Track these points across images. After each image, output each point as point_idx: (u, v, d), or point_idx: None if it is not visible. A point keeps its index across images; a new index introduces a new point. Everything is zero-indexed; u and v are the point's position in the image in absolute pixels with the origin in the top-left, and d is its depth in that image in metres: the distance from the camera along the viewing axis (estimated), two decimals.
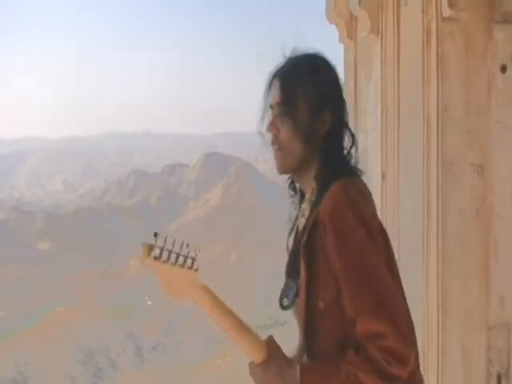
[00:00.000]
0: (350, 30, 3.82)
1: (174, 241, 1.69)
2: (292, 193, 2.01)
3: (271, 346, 1.82)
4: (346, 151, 1.90)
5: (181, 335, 71.46)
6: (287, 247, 2.01)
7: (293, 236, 2.00)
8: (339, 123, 1.88)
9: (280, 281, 1.96)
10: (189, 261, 1.71)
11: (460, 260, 3.12)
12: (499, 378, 3.26)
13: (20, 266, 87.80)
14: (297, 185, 1.99)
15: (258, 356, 1.81)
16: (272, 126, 1.87)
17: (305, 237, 1.80)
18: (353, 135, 1.93)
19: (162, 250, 1.66)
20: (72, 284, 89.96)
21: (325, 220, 1.72)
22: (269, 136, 1.90)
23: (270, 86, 1.91)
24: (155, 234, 1.67)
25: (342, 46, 3.96)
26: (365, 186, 1.85)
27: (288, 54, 1.92)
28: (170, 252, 1.67)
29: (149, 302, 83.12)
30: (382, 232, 1.82)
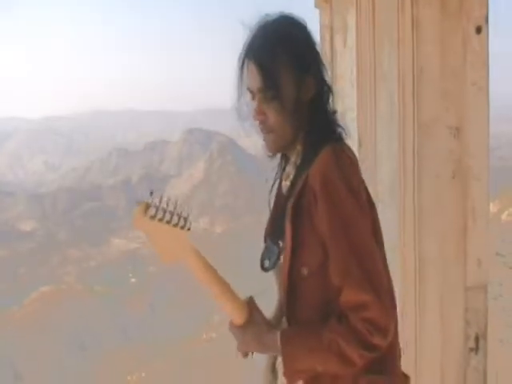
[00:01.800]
0: None
1: (168, 199, 1.67)
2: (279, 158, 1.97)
3: (251, 308, 1.83)
4: (331, 114, 1.86)
5: (165, 312, 71.71)
6: (269, 207, 2.00)
7: (274, 199, 1.99)
8: (322, 86, 1.84)
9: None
10: (181, 220, 1.68)
11: (437, 223, 3.12)
12: (477, 339, 3.29)
13: (3, 246, 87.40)
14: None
15: (239, 318, 1.81)
16: (258, 113, 1.82)
17: (293, 200, 1.77)
18: (332, 95, 1.88)
19: (157, 208, 1.64)
20: (56, 263, 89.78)
21: (315, 188, 1.70)
22: (255, 121, 1.85)
23: (242, 67, 1.84)
24: (151, 193, 1.65)
25: (317, 10, 3.92)
26: (352, 152, 1.82)
27: (254, 23, 1.83)
28: (164, 211, 1.65)
29: (132, 280, 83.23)
30: (369, 200, 1.81)
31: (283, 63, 1.76)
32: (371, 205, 1.80)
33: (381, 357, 1.71)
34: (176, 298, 73.64)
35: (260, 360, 1.96)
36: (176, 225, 1.67)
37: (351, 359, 1.65)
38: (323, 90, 1.84)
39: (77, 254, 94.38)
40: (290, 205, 1.77)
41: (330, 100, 1.87)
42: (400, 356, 1.87)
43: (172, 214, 1.66)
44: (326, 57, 3.72)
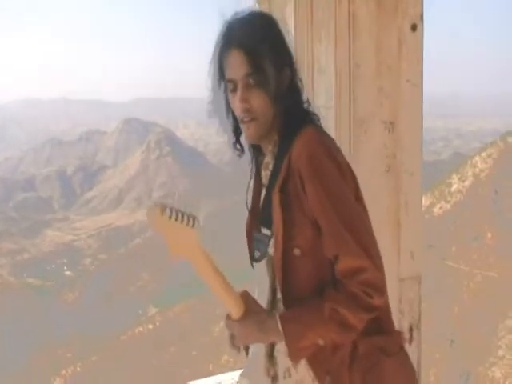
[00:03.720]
0: None
1: (175, 200, 1.71)
2: (250, 151, 2.01)
3: (247, 300, 1.86)
4: (304, 103, 1.92)
5: (101, 305, 70.86)
6: (246, 204, 2.04)
7: (251, 193, 2.04)
8: (295, 76, 1.90)
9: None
10: (191, 220, 1.74)
11: (371, 216, 3.16)
12: (411, 330, 3.36)
13: None
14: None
15: (237, 312, 1.84)
16: (243, 100, 1.83)
17: (277, 185, 1.80)
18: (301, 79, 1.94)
19: (171, 209, 1.70)
20: None
21: (300, 167, 1.74)
22: (238, 110, 1.86)
23: (222, 58, 1.86)
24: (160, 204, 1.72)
25: (256, 4, 3.92)
26: (327, 133, 1.89)
27: (223, 20, 1.87)
28: (177, 211, 1.72)
29: (67, 272, 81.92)
30: (352, 173, 1.86)
31: (267, 50, 1.81)
32: (354, 177, 1.86)
33: (376, 317, 1.79)
34: (112, 290, 72.88)
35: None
36: (188, 224, 1.73)
37: (352, 324, 1.72)
38: (296, 78, 1.90)
39: (10, 246, 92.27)
40: (275, 190, 1.81)
41: (303, 90, 1.92)
42: (391, 314, 1.94)
43: (183, 214, 1.72)
44: None
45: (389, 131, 3.20)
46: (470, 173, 51.96)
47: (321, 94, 3.27)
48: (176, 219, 1.71)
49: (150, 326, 59.53)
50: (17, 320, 65.61)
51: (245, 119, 1.86)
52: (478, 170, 51.77)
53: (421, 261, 3.34)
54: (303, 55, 3.35)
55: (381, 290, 1.74)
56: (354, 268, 1.71)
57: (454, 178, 52.55)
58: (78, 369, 55.55)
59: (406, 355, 1.95)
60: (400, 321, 3.33)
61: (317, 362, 1.83)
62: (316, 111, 1.94)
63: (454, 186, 51.67)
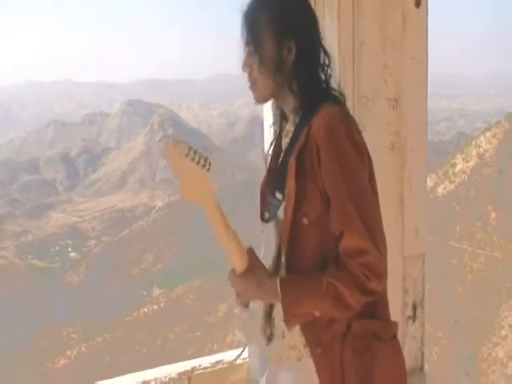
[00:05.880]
0: None
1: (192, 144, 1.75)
2: (277, 113, 2.08)
3: (252, 256, 1.91)
4: (321, 78, 1.93)
5: (106, 286, 71.16)
6: (265, 165, 2.11)
7: (270, 156, 2.09)
8: (307, 49, 1.90)
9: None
10: (207, 163, 1.75)
11: None
12: (414, 307, 3.37)
13: None
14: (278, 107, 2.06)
15: (242, 265, 1.88)
16: (245, 65, 1.95)
17: (295, 154, 1.84)
18: (329, 59, 1.94)
19: (190, 148, 1.72)
20: None
21: (319, 140, 1.78)
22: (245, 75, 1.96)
23: (241, 26, 1.96)
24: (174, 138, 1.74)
25: None
26: (348, 110, 1.93)
27: None
28: (195, 152, 1.73)
29: (72, 254, 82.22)
30: (368, 155, 1.89)
31: (263, 23, 1.89)
32: (370, 159, 1.90)
33: (373, 302, 1.83)
34: (116, 271, 73.16)
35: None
36: (204, 166, 1.74)
37: (348, 303, 1.75)
38: (309, 54, 1.90)
39: (14, 227, 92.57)
40: (292, 158, 1.85)
41: (326, 65, 1.93)
42: (388, 303, 1.96)
43: (200, 156, 1.73)
44: None
45: (393, 108, 3.19)
46: (474, 153, 51.78)
47: None
48: (193, 159, 1.72)
49: (155, 307, 59.82)
50: (22, 301, 65.96)
51: (248, 82, 1.96)
52: (482, 150, 51.56)
53: (425, 239, 3.34)
54: None
55: (380, 275, 1.76)
56: (356, 248, 1.74)
57: (458, 159, 52.37)
58: (83, 349, 55.91)
59: (399, 345, 1.98)
60: (404, 299, 3.33)
61: (310, 332, 1.88)
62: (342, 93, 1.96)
63: (458, 167, 51.50)
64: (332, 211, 1.79)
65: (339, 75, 3.11)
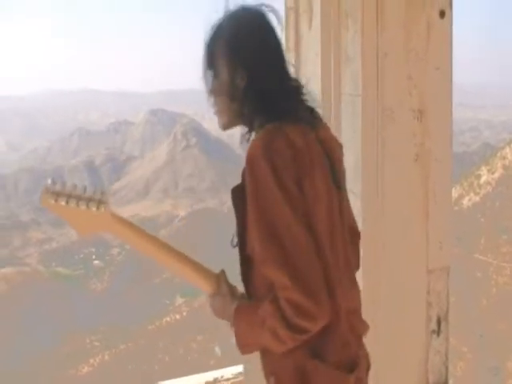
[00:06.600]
0: None
1: (75, 185, 1.77)
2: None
3: (220, 279, 1.92)
4: (274, 100, 1.85)
5: (129, 294, 71.41)
6: None
7: None
8: (259, 77, 1.84)
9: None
10: (92, 203, 1.74)
11: (400, 205, 3.14)
12: (439, 321, 3.33)
13: None
14: None
15: (206, 287, 1.91)
16: (207, 91, 1.95)
17: (237, 184, 1.82)
18: (295, 83, 1.91)
19: (57, 194, 1.72)
20: (17, 245, 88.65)
21: (245, 176, 1.74)
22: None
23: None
24: (52, 180, 1.75)
25: None
26: (302, 134, 1.79)
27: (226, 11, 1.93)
28: (68, 196, 1.72)
29: (96, 262, 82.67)
30: (312, 183, 1.76)
31: (218, 52, 1.88)
32: (316, 189, 1.77)
33: (319, 341, 1.75)
34: (139, 280, 73.40)
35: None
36: (87, 207, 1.74)
37: (281, 338, 1.69)
38: (262, 82, 1.85)
39: (38, 235, 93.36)
40: (232, 187, 1.83)
41: (290, 90, 1.89)
42: (349, 344, 1.85)
43: (78, 198, 1.73)
44: (290, 39, 3.71)
45: (417, 119, 3.17)
46: (499, 164, 51.35)
47: (348, 82, 3.24)
48: (67, 202, 1.72)
49: (177, 316, 59.86)
50: (45, 308, 66.39)
51: (213, 109, 1.95)
52: (507, 161, 51.15)
53: (449, 252, 3.30)
54: (330, 43, 3.32)
55: (308, 314, 1.65)
56: (277, 281, 1.68)
57: (484, 170, 52.00)
58: (106, 357, 56.10)
59: None
60: (428, 312, 3.30)
61: (267, 361, 1.87)
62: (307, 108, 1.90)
63: (484, 178, 51.13)
64: (254, 244, 1.73)
65: (363, 87, 3.11)
